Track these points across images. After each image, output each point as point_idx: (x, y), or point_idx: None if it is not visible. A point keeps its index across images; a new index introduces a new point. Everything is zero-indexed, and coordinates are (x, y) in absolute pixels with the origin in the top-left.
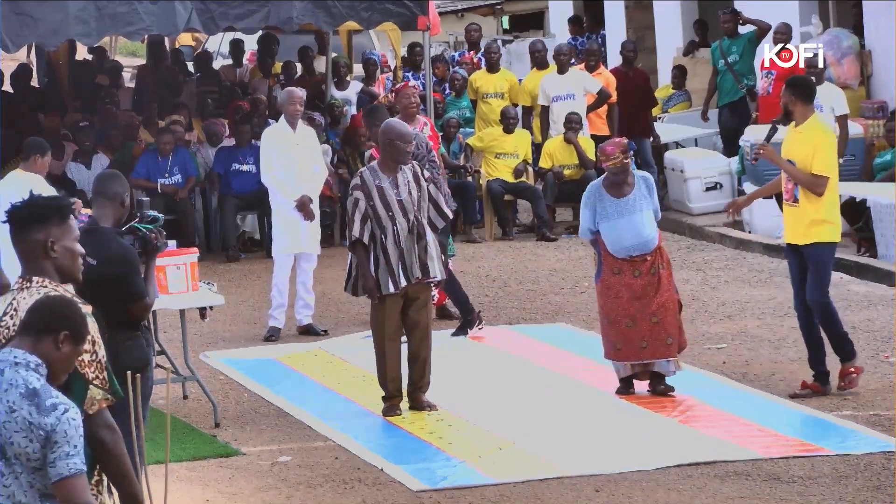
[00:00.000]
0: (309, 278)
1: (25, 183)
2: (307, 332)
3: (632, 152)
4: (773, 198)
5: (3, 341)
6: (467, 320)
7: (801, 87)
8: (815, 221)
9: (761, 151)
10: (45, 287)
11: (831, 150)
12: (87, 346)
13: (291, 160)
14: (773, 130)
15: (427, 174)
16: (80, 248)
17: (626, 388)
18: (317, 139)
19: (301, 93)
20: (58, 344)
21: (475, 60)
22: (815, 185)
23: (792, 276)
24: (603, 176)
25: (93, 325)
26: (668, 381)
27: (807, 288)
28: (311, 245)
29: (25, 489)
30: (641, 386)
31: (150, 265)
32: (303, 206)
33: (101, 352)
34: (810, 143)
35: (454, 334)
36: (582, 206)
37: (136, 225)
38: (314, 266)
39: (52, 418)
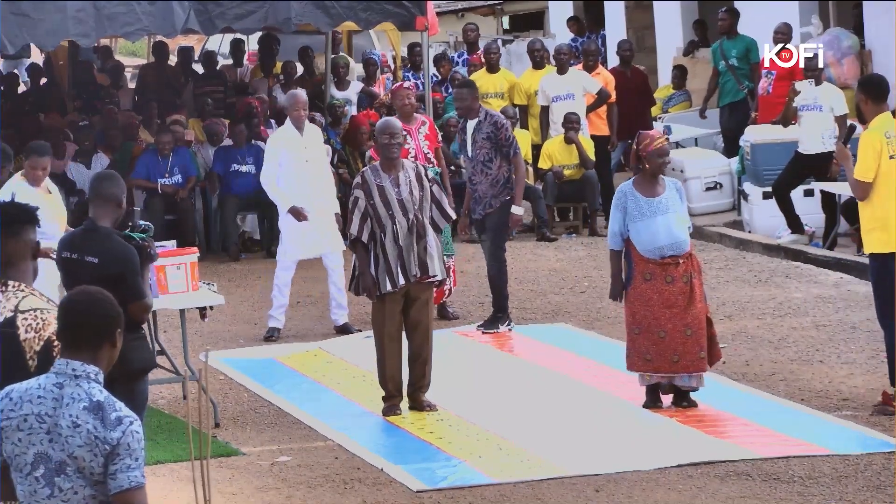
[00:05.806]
0: (339, 277)
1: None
2: (343, 331)
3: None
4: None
5: None
6: (498, 316)
7: (869, 86)
8: (866, 230)
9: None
10: (23, 291)
11: (870, 153)
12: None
13: (303, 164)
14: (851, 130)
15: (430, 175)
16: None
17: (653, 401)
18: (321, 135)
19: (305, 97)
20: (115, 343)
21: (483, 61)
22: (854, 188)
23: None
24: (631, 179)
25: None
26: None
27: None
28: (334, 244)
29: (88, 502)
30: (665, 400)
31: (145, 274)
32: (296, 214)
33: None
34: (859, 145)
35: (484, 326)
36: (612, 209)
37: (130, 234)
38: (342, 263)
39: (117, 432)
